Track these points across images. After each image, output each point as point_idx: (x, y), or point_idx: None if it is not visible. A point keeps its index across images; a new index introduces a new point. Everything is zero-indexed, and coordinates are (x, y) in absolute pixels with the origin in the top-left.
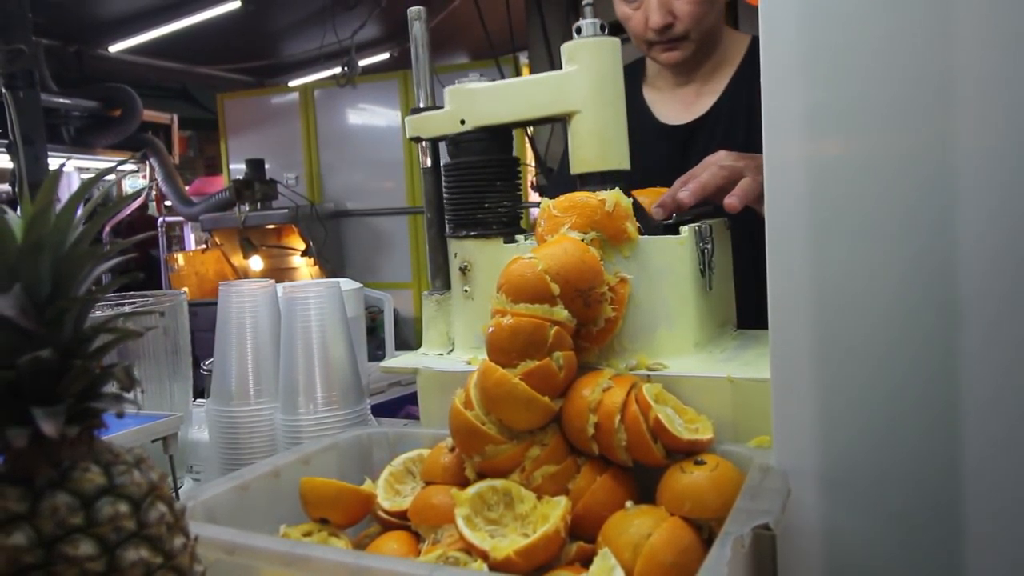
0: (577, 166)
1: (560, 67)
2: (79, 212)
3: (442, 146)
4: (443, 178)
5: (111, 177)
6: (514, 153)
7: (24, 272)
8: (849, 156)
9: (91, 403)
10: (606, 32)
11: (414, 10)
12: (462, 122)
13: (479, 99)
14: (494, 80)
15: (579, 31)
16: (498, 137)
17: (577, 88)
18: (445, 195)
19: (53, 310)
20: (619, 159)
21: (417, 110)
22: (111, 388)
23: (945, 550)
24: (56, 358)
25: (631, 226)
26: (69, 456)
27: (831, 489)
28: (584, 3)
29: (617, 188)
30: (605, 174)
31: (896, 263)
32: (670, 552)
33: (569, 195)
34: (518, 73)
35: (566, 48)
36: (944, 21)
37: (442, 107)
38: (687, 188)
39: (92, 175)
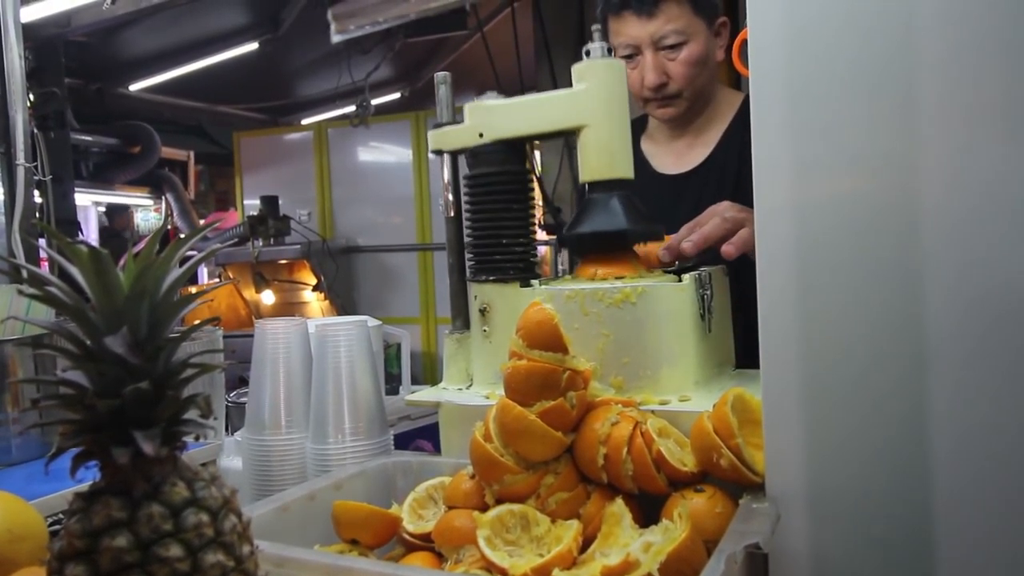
0: (585, 175)
1: None
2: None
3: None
4: (463, 196)
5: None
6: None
7: (129, 315)
8: (831, 203)
9: (178, 427)
10: (612, 55)
11: (440, 75)
12: (480, 135)
13: (496, 114)
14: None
15: (588, 53)
16: (514, 150)
17: (586, 104)
18: (466, 216)
19: (151, 348)
20: (624, 169)
21: (439, 125)
22: (193, 415)
23: (920, 570)
24: (152, 389)
25: None
26: (159, 472)
27: (817, 515)
28: (592, 28)
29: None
30: (611, 182)
31: (874, 305)
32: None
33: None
34: None
35: (576, 68)
36: (910, 86)
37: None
38: (691, 240)
39: (115, 208)
